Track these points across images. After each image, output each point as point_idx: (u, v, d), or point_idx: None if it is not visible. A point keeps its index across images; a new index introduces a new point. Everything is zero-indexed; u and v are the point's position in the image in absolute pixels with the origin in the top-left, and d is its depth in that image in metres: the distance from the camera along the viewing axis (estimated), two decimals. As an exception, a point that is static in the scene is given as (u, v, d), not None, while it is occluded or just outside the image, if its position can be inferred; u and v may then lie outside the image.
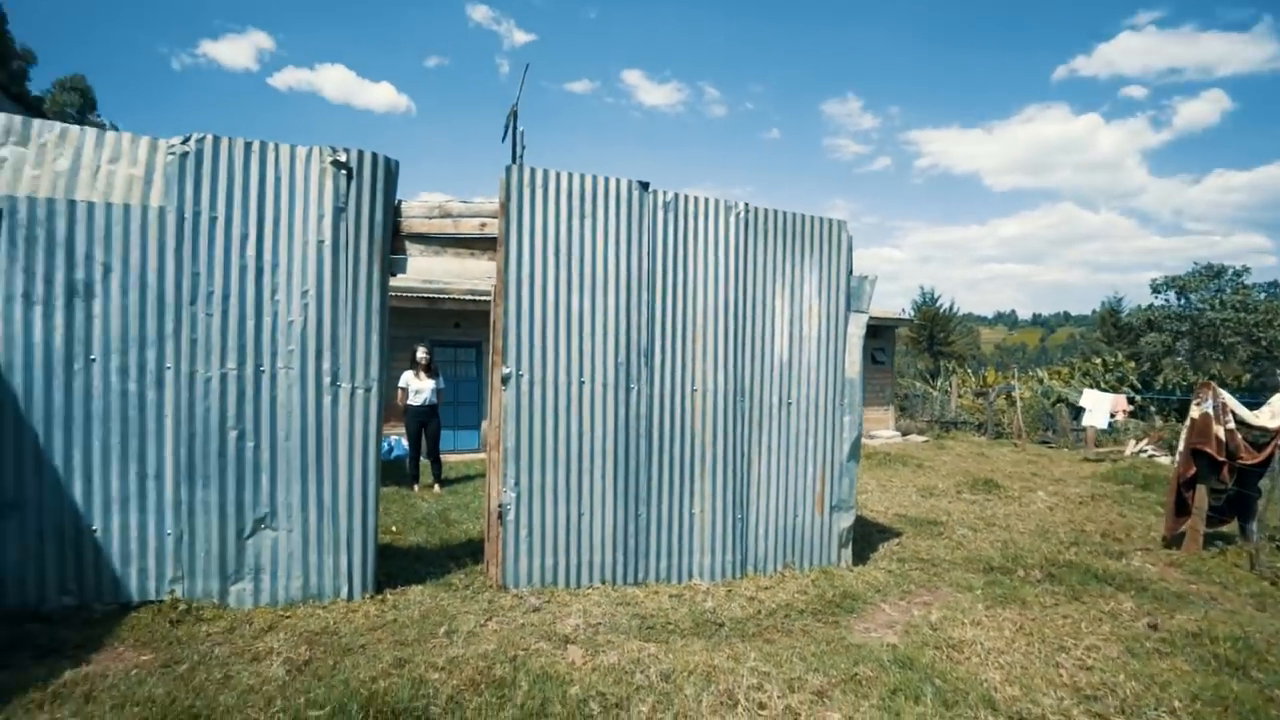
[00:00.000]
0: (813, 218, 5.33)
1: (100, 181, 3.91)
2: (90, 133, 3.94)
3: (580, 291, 4.63)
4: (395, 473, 8.83)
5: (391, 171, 4.39)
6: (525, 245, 4.52)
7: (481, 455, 11.61)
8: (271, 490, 4.08)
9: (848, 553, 5.50)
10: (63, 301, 3.81)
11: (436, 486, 7.98)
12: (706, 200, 4.99)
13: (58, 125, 3.92)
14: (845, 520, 5.47)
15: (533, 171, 4.56)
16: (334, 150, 4.22)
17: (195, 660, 3.31)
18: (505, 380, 4.47)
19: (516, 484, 4.50)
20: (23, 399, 3.74)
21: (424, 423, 7.93)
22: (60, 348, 3.80)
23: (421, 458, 8.09)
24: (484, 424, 12.32)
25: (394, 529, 5.99)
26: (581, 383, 4.63)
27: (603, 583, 4.70)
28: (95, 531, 3.84)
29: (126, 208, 3.91)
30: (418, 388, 7.83)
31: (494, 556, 4.54)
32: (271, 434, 4.08)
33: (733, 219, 5.04)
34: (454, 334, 12.02)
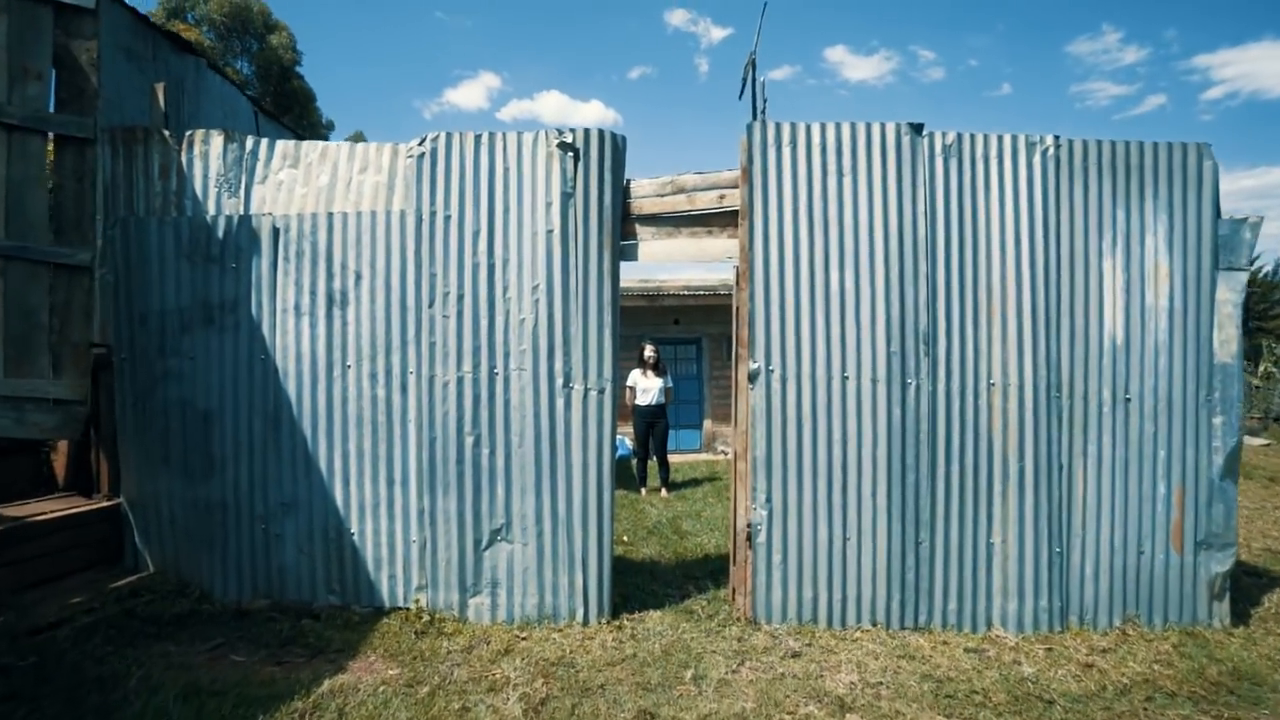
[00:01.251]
0: (1156, 145, 3.89)
1: (352, 192, 3.96)
2: (345, 147, 4.02)
3: (841, 266, 3.79)
4: (621, 475, 8.67)
5: (619, 149, 3.94)
6: (773, 214, 3.79)
7: (705, 456, 11.15)
8: (507, 500, 3.85)
9: (1223, 607, 3.95)
10: (324, 311, 3.91)
11: (664, 490, 7.61)
12: (1001, 139, 3.85)
13: (320, 144, 4.05)
14: (1220, 562, 3.92)
15: (778, 126, 3.82)
16: (560, 132, 3.87)
17: (436, 683, 3.09)
18: (752, 377, 3.79)
19: (768, 500, 3.80)
20: (295, 405, 3.90)
21: (651, 423, 7.61)
22: (323, 355, 3.90)
23: (650, 458, 7.80)
24: (706, 424, 11.87)
25: (625, 539, 5.64)
26: (845, 378, 3.78)
27: (873, 624, 3.81)
28: (353, 535, 3.89)
29: (373, 215, 3.91)
30: (645, 386, 7.53)
31: (742, 583, 3.89)
32: (506, 440, 3.84)
33: (1038, 159, 3.83)
34: (674, 330, 11.74)
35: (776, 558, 3.81)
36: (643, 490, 7.66)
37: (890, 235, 3.79)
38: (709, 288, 11.39)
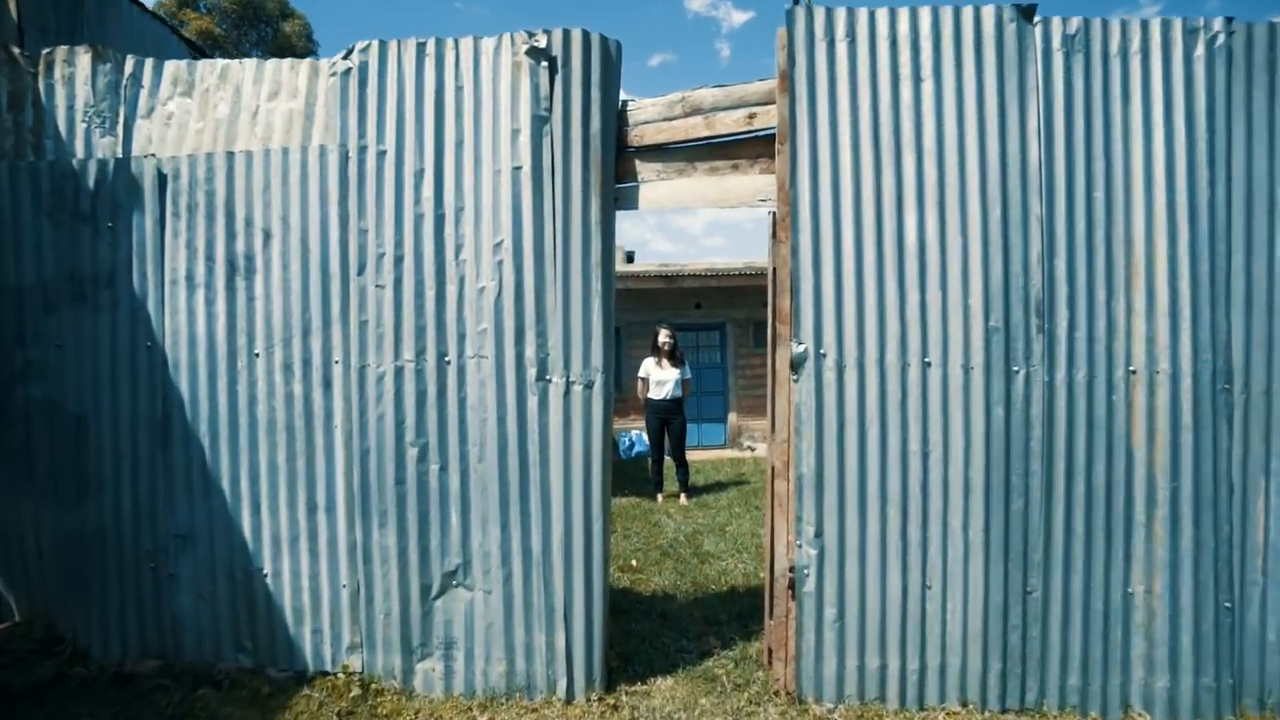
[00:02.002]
0: (1370, 35, 2.74)
1: (260, 124, 2.99)
2: (249, 66, 3.05)
3: (920, 207, 2.72)
4: (635, 476, 7.68)
5: (611, 59, 2.91)
6: (824, 137, 2.73)
7: (730, 453, 10.10)
8: (464, 533, 2.87)
9: None
10: (225, 281, 2.95)
11: (683, 497, 6.59)
12: (1146, 26, 2.72)
13: (219, 63, 3.09)
14: None
15: (830, 15, 2.74)
16: (530, 35, 2.85)
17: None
18: (796, 365, 2.75)
19: (818, 535, 2.76)
20: (189, 407, 2.96)
21: (667, 420, 6.59)
22: (224, 340, 2.95)
23: (666, 456, 6.78)
24: (730, 417, 10.80)
25: (634, 562, 4.64)
26: (926, 364, 2.72)
27: (964, 704, 2.76)
28: (266, 576, 2.95)
29: (285, 153, 2.94)
30: (660, 378, 6.50)
31: (781, 645, 2.86)
32: (462, 451, 2.86)
33: (1201, 52, 2.70)
34: (695, 315, 10.67)
35: (830, 613, 2.78)
36: (658, 496, 6.65)
37: (989, 163, 2.70)
38: (736, 269, 10.30)
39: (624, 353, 10.45)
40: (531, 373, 2.83)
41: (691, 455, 7.70)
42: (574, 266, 2.83)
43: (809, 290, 2.72)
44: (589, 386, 2.83)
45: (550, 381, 2.83)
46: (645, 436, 10.19)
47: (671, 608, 3.85)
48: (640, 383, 6.64)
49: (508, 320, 2.83)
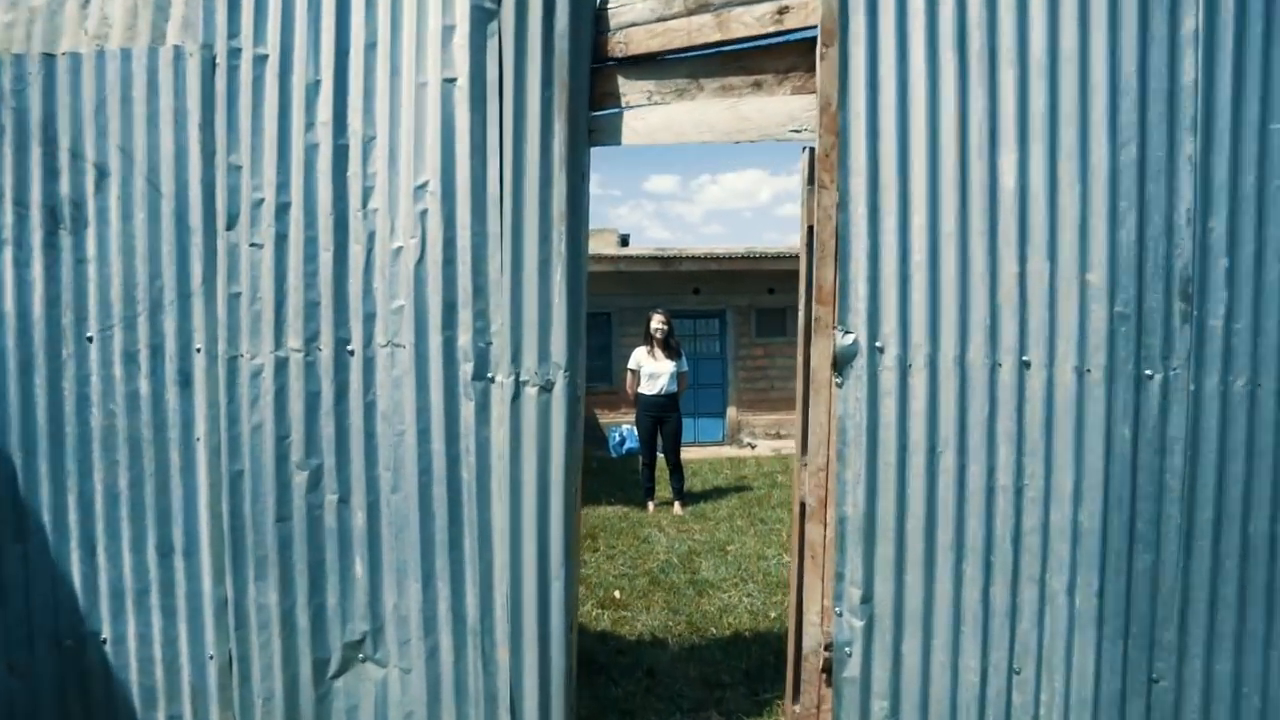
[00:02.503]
0: None
1: (92, 16, 2.16)
2: (91, -60, 2.21)
3: (1021, 143, 1.90)
4: (625, 479, 6.90)
5: (584, -66, 2.08)
6: (887, 38, 1.91)
7: (728, 451, 9.32)
8: (373, 589, 2.07)
9: None
10: (42, 237, 2.13)
11: (677, 506, 5.82)
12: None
13: (52, -61, 2.24)
14: None
15: None
16: (470, -105, 2.02)
17: None
18: (843, 362, 1.94)
19: (867, 598, 1.98)
20: None
21: (660, 418, 5.80)
22: (41, 319, 2.13)
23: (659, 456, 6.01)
24: (730, 412, 10.02)
25: (616, 593, 3.87)
26: (1024, 365, 1.92)
27: (1061, 828, 2.00)
28: (104, 642, 2.16)
29: (126, 56, 2.11)
30: (653, 371, 5.70)
31: (811, 744, 2.09)
32: (369, 477, 2.06)
33: None
34: (693, 301, 9.87)
35: (880, 706, 2.00)
36: (649, 504, 5.88)
37: (1121, 82, 1.89)
38: (735, 253, 9.49)
39: (615, 341, 9.65)
40: (467, 369, 2.02)
41: (687, 453, 6.92)
42: (528, 220, 2.02)
43: (862, 257, 1.91)
44: (547, 389, 2.03)
45: (493, 381, 2.03)
46: (632, 432, 9.41)
47: (661, 661, 3.07)
48: (630, 375, 5.84)
49: (434, 294, 2.01)
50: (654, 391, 5.72)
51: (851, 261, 1.92)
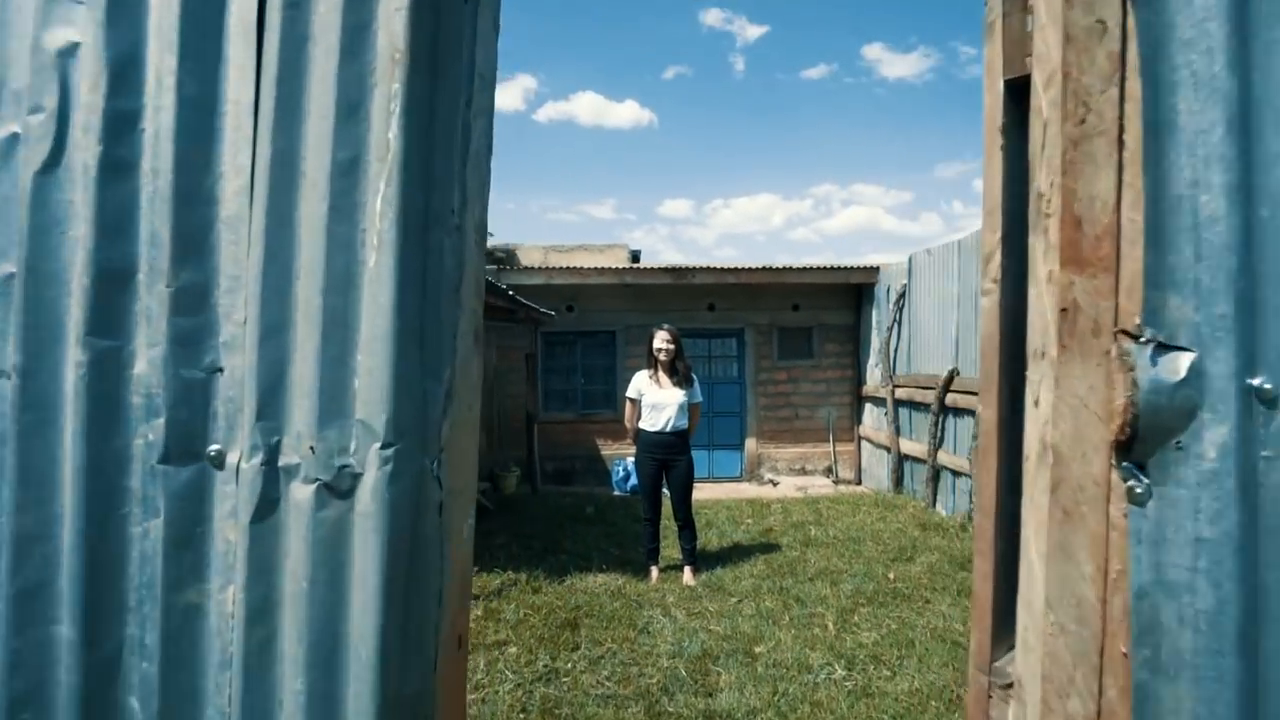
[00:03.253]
0: None
1: None
2: None
3: None
4: (626, 529, 5.67)
5: None
6: None
7: (747, 489, 8.04)
8: None
9: None
10: None
11: (688, 573, 4.56)
12: None
13: None
14: None
15: None
16: None
17: None
18: (1154, 428, 0.74)
19: None
20: None
21: (666, 462, 4.57)
22: None
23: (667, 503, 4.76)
24: (749, 444, 8.76)
25: (598, 738, 2.63)
26: None
27: None
28: None
29: None
30: (657, 400, 4.49)
31: None
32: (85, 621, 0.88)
33: None
34: (708, 319, 8.70)
35: None
36: (652, 571, 4.64)
37: None
38: (754, 266, 8.29)
39: (619, 363, 8.48)
40: (146, 437, 0.84)
41: (701, 492, 5.70)
42: (312, 99, 0.85)
43: (1226, 185, 0.72)
44: (341, 490, 0.84)
45: (215, 463, 0.84)
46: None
47: None
48: (628, 405, 4.64)
49: (78, 252, 0.84)
50: (657, 427, 4.51)
51: (1204, 194, 0.72)
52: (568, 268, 8.05)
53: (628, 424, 4.71)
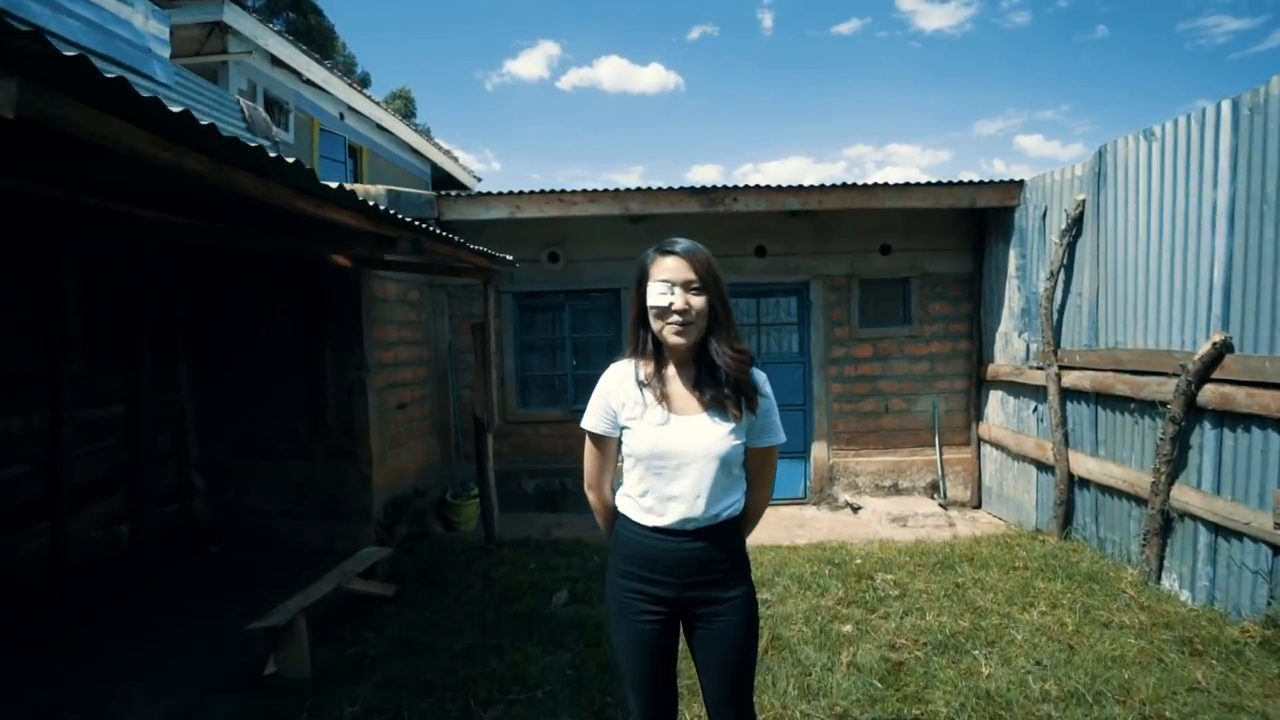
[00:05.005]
0: None
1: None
2: None
3: None
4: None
5: None
6: None
7: (816, 514, 5.35)
8: None
9: None
10: None
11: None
12: None
13: None
14: None
15: None
16: None
17: None
18: None
19: None
20: None
21: (686, 610, 1.66)
22: None
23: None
24: (815, 449, 6.08)
25: None
26: None
27: None
28: None
29: None
30: (661, 445, 1.59)
31: None
32: None
33: None
34: (756, 269, 5.96)
35: None
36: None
37: None
38: (827, 183, 5.49)
39: (627, 335, 5.80)
40: None
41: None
42: None
43: None
44: None
45: None
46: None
47: None
48: (589, 453, 1.78)
49: None
50: (665, 520, 1.64)
51: None
52: (545, 192, 5.34)
53: (594, 501, 1.95)
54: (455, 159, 14.33)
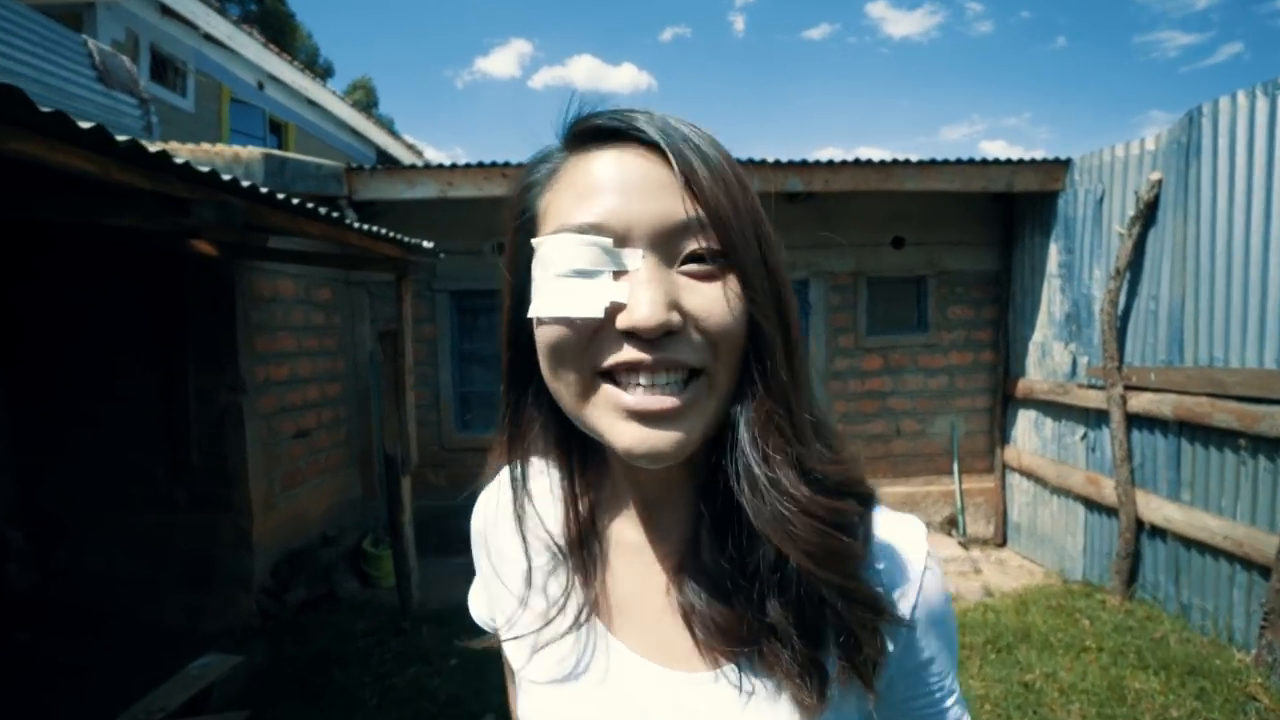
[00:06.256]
0: None
1: None
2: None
3: None
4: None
5: None
6: None
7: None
8: None
9: None
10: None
11: None
12: None
13: None
14: None
15: None
16: None
17: None
18: None
19: None
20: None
21: None
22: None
23: None
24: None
25: None
26: None
27: None
28: None
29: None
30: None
31: None
32: None
33: None
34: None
35: None
36: None
37: None
38: (829, 160, 4.51)
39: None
40: None
41: None
42: None
43: None
44: None
45: None
46: None
47: None
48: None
49: None
50: None
51: None
52: (485, 165, 4.26)
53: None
54: (406, 142, 13.09)
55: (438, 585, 4.25)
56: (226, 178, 2.11)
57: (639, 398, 0.45)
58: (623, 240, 0.45)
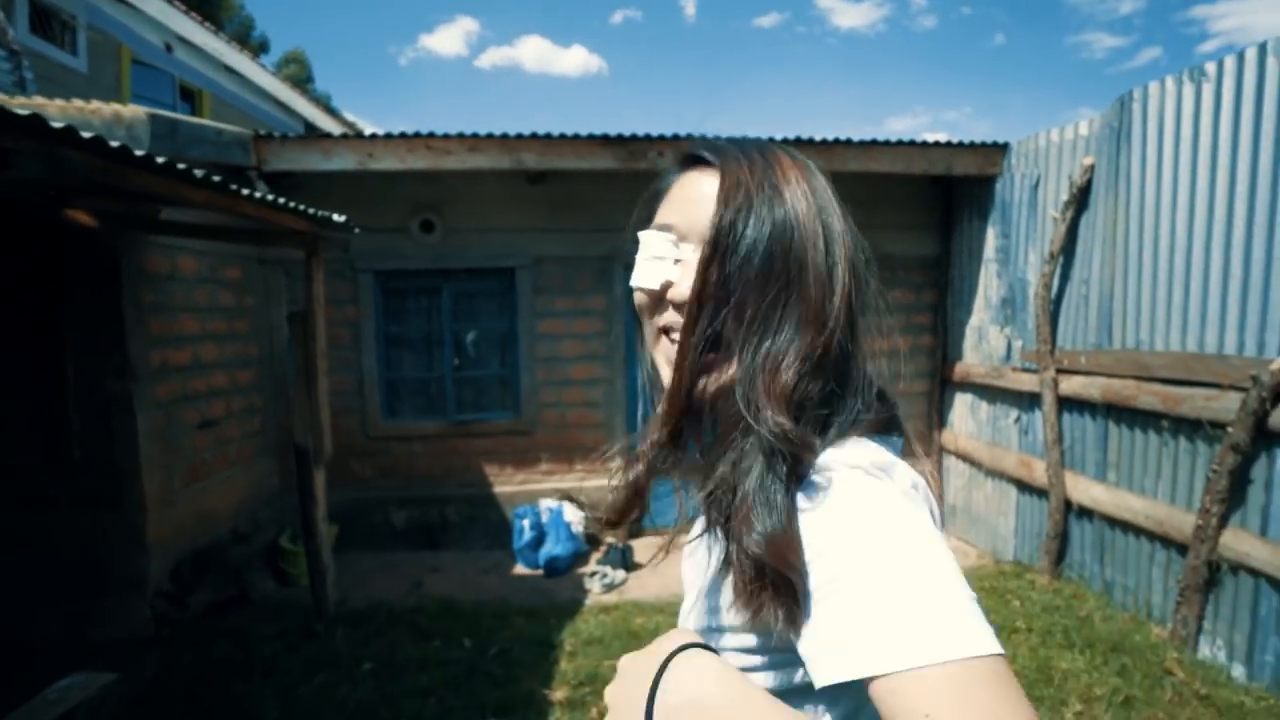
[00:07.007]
0: None
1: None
2: None
3: None
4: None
5: None
6: None
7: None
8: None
9: None
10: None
11: None
12: None
13: None
14: None
15: None
16: None
17: None
18: None
19: None
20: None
21: None
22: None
23: None
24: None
25: None
26: None
27: None
28: None
29: None
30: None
31: None
32: None
33: None
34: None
35: None
36: None
37: None
38: (752, 139, 4.38)
39: (521, 328, 4.57)
40: None
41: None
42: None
43: None
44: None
45: None
46: (568, 520, 4.49)
47: None
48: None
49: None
50: None
51: None
52: (409, 135, 3.97)
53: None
54: (345, 119, 12.44)
55: (360, 582, 4.01)
56: (87, 135, 1.82)
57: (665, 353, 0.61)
58: (684, 237, 0.60)
